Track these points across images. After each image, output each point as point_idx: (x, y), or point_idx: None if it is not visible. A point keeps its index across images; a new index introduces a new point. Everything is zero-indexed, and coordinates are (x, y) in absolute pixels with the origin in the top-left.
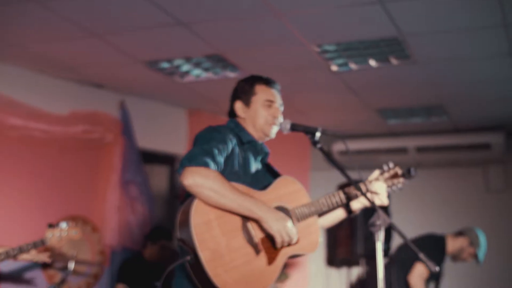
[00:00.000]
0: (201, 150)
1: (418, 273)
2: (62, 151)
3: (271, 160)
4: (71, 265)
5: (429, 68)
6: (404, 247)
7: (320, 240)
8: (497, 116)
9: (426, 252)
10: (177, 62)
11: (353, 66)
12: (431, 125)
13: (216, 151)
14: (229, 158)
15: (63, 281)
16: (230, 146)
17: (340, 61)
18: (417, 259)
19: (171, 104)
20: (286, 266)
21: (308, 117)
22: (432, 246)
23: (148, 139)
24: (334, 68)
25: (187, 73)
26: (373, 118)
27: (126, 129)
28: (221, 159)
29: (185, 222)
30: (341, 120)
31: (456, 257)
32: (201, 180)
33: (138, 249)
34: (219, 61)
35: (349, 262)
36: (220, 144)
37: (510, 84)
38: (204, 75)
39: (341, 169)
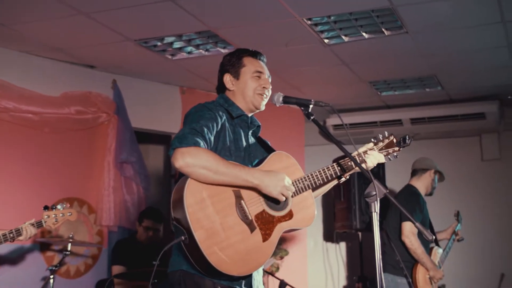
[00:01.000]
0: (190, 129)
1: (409, 230)
2: (56, 132)
3: (265, 136)
4: (69, 247)
5: (422, 38)
6: (390, 214)
7: (315, 213)
8: (491, 86)
9: (407, 206)
10: (168, 39)
11: (345, 38)
12: (426, 96)
13: (205, 130)
14: (219, 134)
15: (61, 263)
16: (220, 123)
17: (332, 33)
18: (401, 220)
19: (164, 83)
20: (285, 241)
21: (302, 91)
22: (408, 199)
23: (143, 118)
24: (326, 40)
25: (178, 50)
26: (367, 91)
27: (119, 109)
28: (211, 137)
29: (179, 202)
30: (335, 94)
31: (433, 189)
32: (192, 160)
33: (135, 229)
34: (211, 37)
35: (347, 236)
36: (210, 121)
37: (503, 53)
38: (196, 52)
39: (335, 141)
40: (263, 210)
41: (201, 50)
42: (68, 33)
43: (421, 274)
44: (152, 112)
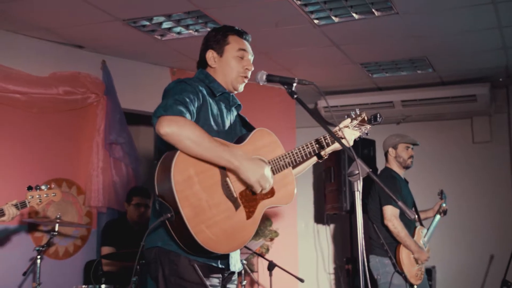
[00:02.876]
0: (174, 100)
1: (390, 214)
2: (44, 113)
3: (256, 118)
4: (56, 227)
5: (412, 19)
6: (370, 198)
7: (295, 190)
8: (482, 68)
9: (383, 191)
10: (157, 19)
11: (335, 18)
12: (417, 79)
13: (188, 101)
14: (201, 110)
15: (49, 243)
16: (201, 97)
17: (322, 14)
18: (382, 204)
19: (154, 64)
20: (275, 223)
21: (292, 72)
22: (385, 183)
23: (133, 99)
24: (316, 21)
25: (167, 30)
26: (358, 73)
27: (108, 89)
28: (193, 109)
29: (166, 179)
30: (326, 75)
31: (404, 163)
32: (178, 130)
33: (124, 210)
34: (200, 17)
35: (337, 218)
36: (191, 94)
37: (495, 35)
38: (186, 32)
39: (318, 118)
40: (246, 188)
41: (190, 31)
42: (56, 12)
43: (404, 254)
44: (143, 93)
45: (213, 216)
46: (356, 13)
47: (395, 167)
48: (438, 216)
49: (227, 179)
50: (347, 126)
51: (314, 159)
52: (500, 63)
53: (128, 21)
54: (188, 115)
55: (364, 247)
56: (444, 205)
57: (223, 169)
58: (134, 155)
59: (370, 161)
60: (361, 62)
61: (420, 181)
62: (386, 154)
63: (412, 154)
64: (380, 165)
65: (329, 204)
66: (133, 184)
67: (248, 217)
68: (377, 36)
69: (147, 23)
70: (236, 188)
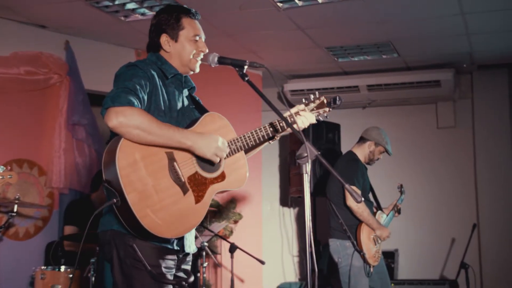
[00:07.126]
0: (123, 88)
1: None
2: (5, 93)
3: (222, 101)
4: (15, 208)
5: (375, 4)
6: (330, 180)
7: (248, 174)
8: (446, 54)
9: (345, 172)
10: (120, 0)
11: (299, 2)
12: (383, 63)
13: (139, 88)
14: (152, 94)
15: (7, 224)
16: (152, 82)
17: None
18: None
19: (118, 45)
20: (239, 206)
21: (259, 56)
22: (347, 164)
23: (97, 80)
24: (279, 4)
25: (131, 11)
26: (324, 57)
27: (72, 70)
28: (144, 95)
29: (111, 164)
30: (292, 59)
31: (370, 161)
32: (126, 120)
33: (86, 192)
34: None
35: (302, 201)
36: (142, 80)
37: (457, 21)
38: (149, 13)
39: (269, 102)
40: (196, 172)
41: (154, 12)
42: None
43: (365, 234)
44: (107, 74)
45: (160, 200)
46: None
47: (360, 156)
48: (392, 213)
49: (175, 163)
50: (303, 110)
51: (265, 142)
52: (464, 49)
53: (91, 1)
54: (136, 103)
55: (311, 229)
56: (401, 200)
57: (170, 153)
58: (97, 136)
59: (334, 145)
60: (326, 46)
61: (385, 166)
62: (363, 140)
63: (378, 159)
64: (344, 149)
65: (294, 187)
66: (95, 165)
67: (197, 201)
68: (341, 20)
69: (110, 3)
70: (184, 172)
